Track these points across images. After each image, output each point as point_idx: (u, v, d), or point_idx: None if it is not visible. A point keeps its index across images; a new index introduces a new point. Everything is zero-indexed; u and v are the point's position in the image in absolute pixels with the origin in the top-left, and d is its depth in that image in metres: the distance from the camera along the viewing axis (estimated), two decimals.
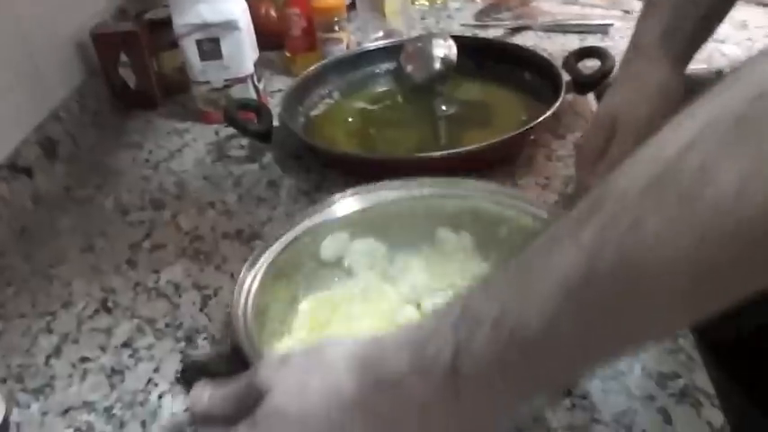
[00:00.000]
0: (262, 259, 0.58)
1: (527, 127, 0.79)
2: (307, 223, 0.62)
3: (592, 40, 1.07)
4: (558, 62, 0.92)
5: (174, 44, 0.98)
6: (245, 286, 0.56)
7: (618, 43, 1.04)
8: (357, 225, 0.64)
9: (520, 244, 0.35)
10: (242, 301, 0.54)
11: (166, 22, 0.98)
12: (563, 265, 0.31)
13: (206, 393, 0.42)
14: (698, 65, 0.75)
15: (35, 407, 0.57)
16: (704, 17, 0.68)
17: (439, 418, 0.35)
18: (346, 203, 0.65)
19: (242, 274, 0.57)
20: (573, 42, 1.07)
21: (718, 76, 0.82)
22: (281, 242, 0.60)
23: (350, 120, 0.95)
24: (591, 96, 0.91)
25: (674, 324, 0.32)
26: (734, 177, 0.26)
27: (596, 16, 1.17)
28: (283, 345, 0.56)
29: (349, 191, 0.66)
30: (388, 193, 0.65)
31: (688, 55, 0.69)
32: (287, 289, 0.60)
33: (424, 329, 0.36)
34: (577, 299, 0.31)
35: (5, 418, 0.54)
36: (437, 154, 0.80)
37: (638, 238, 0.28)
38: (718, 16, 0.69)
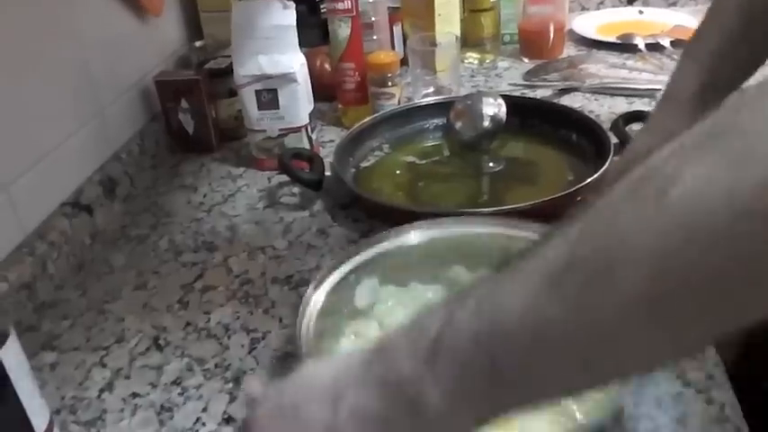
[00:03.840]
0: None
1: (575, 188, 0.80)
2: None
3: (639, 104, 1.09)
4: (605, 124, 0.94)
5: (232, 93, 1.02)
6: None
7: None
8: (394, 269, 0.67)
9: None
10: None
11: (226, 72, 1.02)
12: (549, 253, 0.33)
13: (255, 382, 0.47)
14: None
15: None
16: (740, 72, 0.69)
17: (418, 389, 0.37)
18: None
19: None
20: (620, 105, 1.09)
21: None
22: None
23: (398, 172, 0.97)
24: None
25: (651, 330, 0.32)
26: (696, 180, 0.28)
27: (644, 80, 1.18)
28: None
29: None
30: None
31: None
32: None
33: (429, 307, 0.39)
34: (555, 286, 0.32)
35: None
36: (483, 210, 0.81)
37: (612, 229, 0.31)
38: (753, 68, 0.70)
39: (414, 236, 0.68)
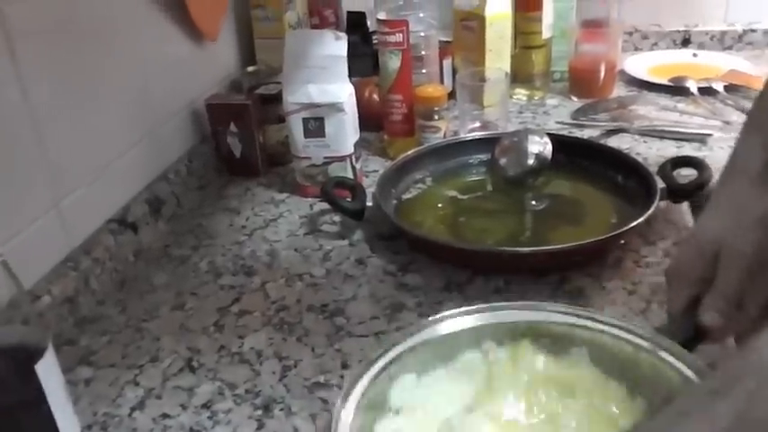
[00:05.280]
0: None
1: (619, 231, 0.79)
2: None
3: (689, 149, 1.07)
4: (653, 168, 0.92)
5: (280, 119, 1.04)
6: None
7: (716, 154, 1.04)
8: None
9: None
10: None
11: (276, 98, 1.04)
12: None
13: None
14: None
15: None
16: None
17: None
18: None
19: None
20: (669, 149, 1.07)
21: None
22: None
23: (440, 206, 0.97)
24: (685, 206, 0.90)
25: None
26: None
27: (694, 125, 1.16)
28: None
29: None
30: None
31: None
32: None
33: None
34: None
35: None
36: (524, 249, 0.81)
37: None
38: None
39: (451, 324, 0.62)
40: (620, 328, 0.60)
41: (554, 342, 0.61)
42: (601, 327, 0.61)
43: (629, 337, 0.59)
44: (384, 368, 0.58)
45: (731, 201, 0.63)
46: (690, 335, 0.59)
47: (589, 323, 0.61)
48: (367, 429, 0.54)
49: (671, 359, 0.56)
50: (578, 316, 0.62)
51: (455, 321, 0.62)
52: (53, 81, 0.77)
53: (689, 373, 0.55)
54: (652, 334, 0.59)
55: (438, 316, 0.63)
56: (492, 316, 0.63)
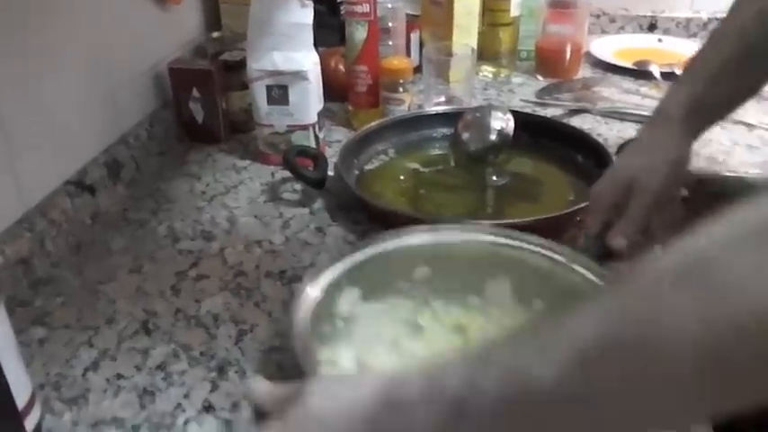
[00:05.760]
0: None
1: (575, 208, 0.80)
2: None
3: None
4: (612, 149, 0.94)
5: (244, 86, 1.03)
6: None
7: None
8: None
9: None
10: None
11: (240, 65, 1.03)
12: (584, 329, 0.33)
13: (262, 389, 0.47)
14: None
15: (67, 416, 0.59)
16: (732, 98, 0.71)
17: None
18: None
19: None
20: (629, 131, 1.09)
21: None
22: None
23: (401, 178, 0.97)
24: None
25: (687, 411, 0.33)
26: (749, 276, 0.28)
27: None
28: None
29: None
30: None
31: (703, 131, 0.73)
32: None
33: (444, 363, 0.39)
34: (592, 363, 0.32)
35: (38, 424, 0.57)
36: (482, 222, 0.82)
37: (657, 316, 0.31)
38: (743, 98, 0.72)
39: (414, 239, 0.68)
40: (541, 245, 0.66)
41: (484, 261, 0.67)
42: (524, 245, 0.67)
43: (548, 253, 0.66)
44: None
45: (652, 142, 0.71)
46: (602, 253, 0.67)
47: (514, 242, 0.67)
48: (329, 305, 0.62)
49: (583, 270, 0.63)
50: (505, 236, 0.68)
51: (401, 240, 0.68)
52: (3, 40, 0.75)
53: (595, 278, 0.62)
54: (569, 251, 0.65)
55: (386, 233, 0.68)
56: (431, 237, 0.68)
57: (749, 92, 0.72)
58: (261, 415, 0.47)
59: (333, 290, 0.63)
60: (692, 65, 0.73)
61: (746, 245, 0.29)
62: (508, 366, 0.35)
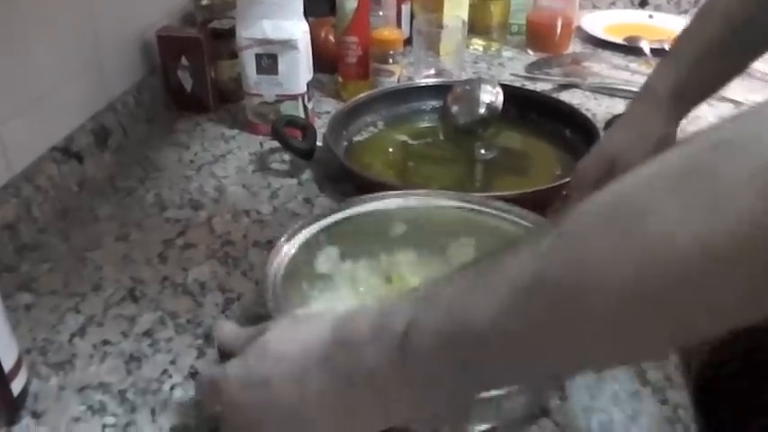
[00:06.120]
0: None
1: (560, 182, 0.80)
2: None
3: None
4: (600, 124, 0.94)
5: (233, 55, 1.02)
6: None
7: None
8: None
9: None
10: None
11: (229, 33, 1.02)
12: (516, 267, 0.34)
13: (227, 330, 0.50)
14: None
15: (54, 381, 0.60)
16: (717, 78, 0.72)
17: (385, 384, 0.38)
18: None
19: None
20: (618, 106, 1.09)
21: None
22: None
23: (390, 150, 0.97)
24: None
25: (615, 346, 0.33)
26: (669, 218, 0.29)
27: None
28: None
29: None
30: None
31: (689, 110, 0.74)
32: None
33: (393, 302, 0.40)
34: (524, 301, 0.33)
35: (25, 388, 0.57)
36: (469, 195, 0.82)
37: (583, 254, 0.32)
38: (729, 78, 0.72)
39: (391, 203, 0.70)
40: (518, 215, 0.67)
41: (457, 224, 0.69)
42: (501, 214, 0.68)
43: (522, 222, 0.67)
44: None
45: (638, 119, 0.72)
46: None
47: (476, 206, 0.69)
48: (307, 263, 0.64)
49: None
50: (464, 200, 0.70)
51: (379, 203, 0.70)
52: None
53: None
54: (544, 220, 0.67)
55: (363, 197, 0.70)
56: (405, 201, 0.70)
57: (734, 71, 0.72)
58: (225, 355, 0.49)
59: (311, 249, 0.64)
60: (679, 44, 0.74)
61: (670, 187, 0.30)
62: (448, 305, 0.37)
